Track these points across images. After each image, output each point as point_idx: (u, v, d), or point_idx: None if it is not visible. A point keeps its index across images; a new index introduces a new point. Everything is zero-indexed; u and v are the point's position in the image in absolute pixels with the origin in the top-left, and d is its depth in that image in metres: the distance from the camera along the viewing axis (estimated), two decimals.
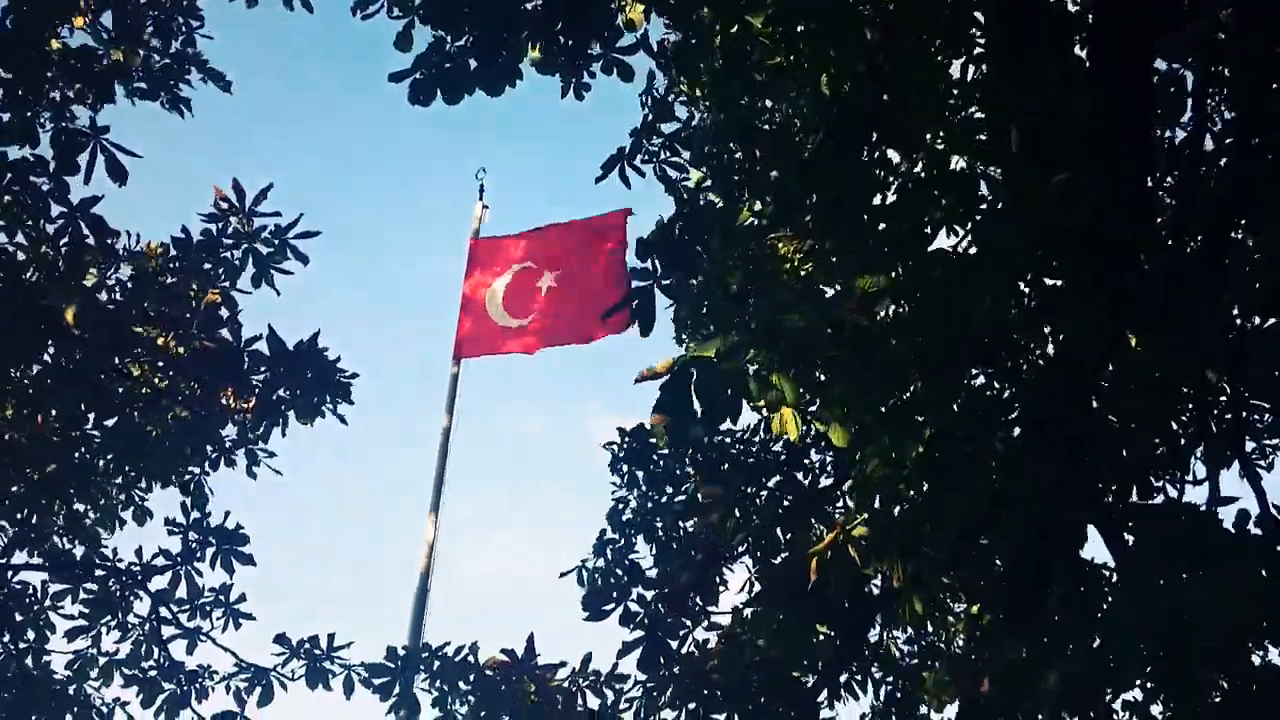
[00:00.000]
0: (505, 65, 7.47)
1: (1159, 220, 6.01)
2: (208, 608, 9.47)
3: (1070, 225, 5.68)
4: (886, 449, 5.94)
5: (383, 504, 41.95)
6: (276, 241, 9.21)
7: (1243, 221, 5.78)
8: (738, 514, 8.05)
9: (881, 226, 6.53)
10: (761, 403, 5.63)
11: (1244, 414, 6.20)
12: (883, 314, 5.90)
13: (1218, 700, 5.60)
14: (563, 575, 9.07)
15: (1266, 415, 6.61)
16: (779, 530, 8.08)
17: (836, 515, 7.96)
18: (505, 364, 12.36)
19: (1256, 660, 5.85)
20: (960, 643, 8.29)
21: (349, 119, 39.94)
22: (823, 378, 5.79)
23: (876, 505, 6.40)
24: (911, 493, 6.19)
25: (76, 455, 9.24)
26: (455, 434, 11.58)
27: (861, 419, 5.93)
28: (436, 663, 8.44)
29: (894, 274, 5.95)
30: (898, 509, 6.27)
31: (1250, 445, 6.91)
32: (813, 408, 6.64)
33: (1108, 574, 6.51)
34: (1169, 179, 6.15)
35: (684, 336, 9.41)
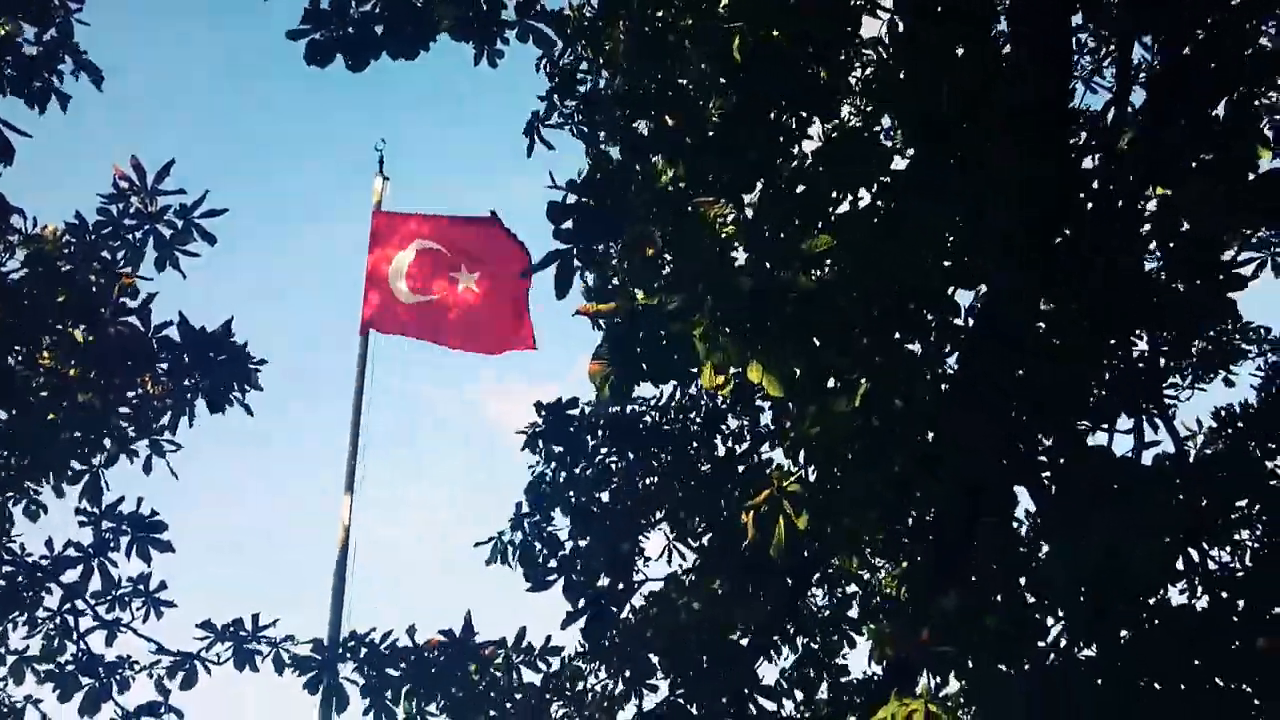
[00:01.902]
0: (417, 30, 7.31)
1: (1082, 179, 6.17)
2: (126, 598, 9.13)
3: (995, 189, 5.82)
4: (822, 407, 6.01)
5: (291, 482, 41.30)
6: (181, 222, 8.81)
7: (1160, 181, 5.97)
8: (659, 484, 8.11)
9: (799, 190, 6.61)
10: (706, 361, 5.61)
11: (1162, 364, 6.44)
12: (819, 275, 5.96)
13: (1139, 639, 5.85)
14: (477, 545, 9.01)
15: (1183, 365, 6.88)
16: (698, 496, 8.14)
17: (756, 477, 8.06)
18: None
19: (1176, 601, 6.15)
20: (884, 598, 8.48)
21: (238, 87, 38.92)
22: (766, 337, 5.79)
23: (811, 462, 6.50)
24: (845, 450, 6.29)
25: None
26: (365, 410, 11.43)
27: (800, 377, 5.98)
28: (364, 650, 8.33)
29: (825, 236, 6.01)
30: (833, 466, 6.36)
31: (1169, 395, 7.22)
32: (738, 368, 6.67)
33: (1033, 523, 6.74)
34: (1093, 140, 6.32)
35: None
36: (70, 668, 9.14)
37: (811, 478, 6.53)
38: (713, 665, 7.10)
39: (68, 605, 9.14)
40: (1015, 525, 6.60)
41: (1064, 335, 5.84)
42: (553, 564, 7.99)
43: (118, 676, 9.14)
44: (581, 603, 7.51)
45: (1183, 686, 5.76)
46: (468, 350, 11.69)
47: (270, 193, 40.94)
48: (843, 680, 8.32)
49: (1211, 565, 6.32)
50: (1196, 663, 5.79)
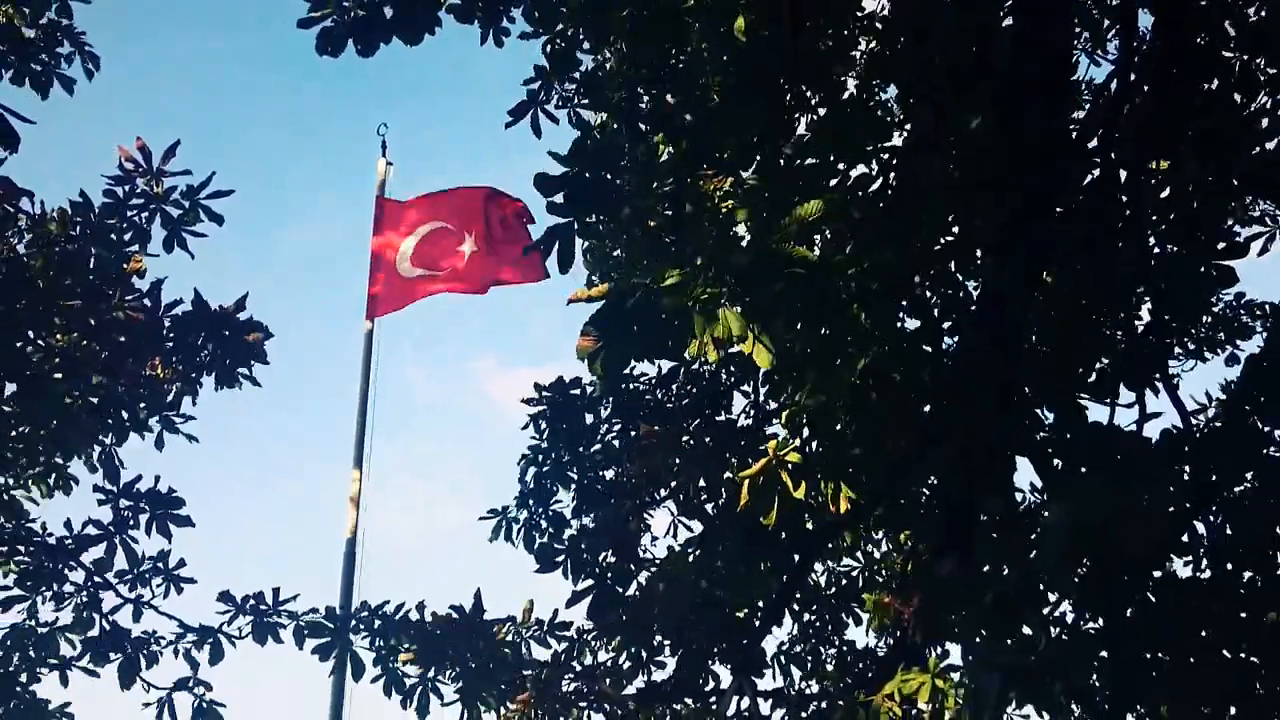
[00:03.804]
0: (424, 12, 7.27)
1: (1084, 152, 6.10)
2: (147, 575, 9.24)
3: (989, 172, 5.77)
4: (820, 378, 5.98)
5: (296, 464, 41.64)
6: (188, 203, 8.86)
7: (1160, 154, 5.90)
8: (662, 459, 8.09)
9: (799, 163, 6.56)
10: (703, 336, 5.57)
11: (1166, 337, 6.38)
12: (820, 245, 5.93)
13: (1143, 612, 5.84)
14: (481, 519, 8.97)
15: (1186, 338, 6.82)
16: (702, 472, 8.14)
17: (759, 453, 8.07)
18: (393, 318, 12.22)
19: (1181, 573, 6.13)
20: (888, 571, 8.50)
21: (238, 74, 38.89)
22: (765, 310, 5.73)
23: (808, 434, 6.49)
24: (843, 423, 6.28)
25: None
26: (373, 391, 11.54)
27: (799, 351, 5.95)
28: (378, 621, 8.42)
29: (816, 201, 5.96)
30: (830, 438, 6.35)
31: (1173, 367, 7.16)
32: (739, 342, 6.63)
33: (1036, 497, 6.73)
34: (1097, 113, 6.24)
35: (594, 279, 9.37)
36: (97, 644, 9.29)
37: (810, 449, 6.53)
38: (717, 639, 7.16)
39: (91, 583, 9.27)
40: (1018, 498, 6.57)
41: (1064, 307, 5.80)
42: (558, 545, 8.02)
43: (145, 652, 9.28)
44: (587, 582, 7.58)
45: (1189, 658, 5.76)
46: (470, 291, 11.84)
47: (273, 179, 41.05)
48: (848, 653, 8.38)
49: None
50: (1203, 634, 5.78)
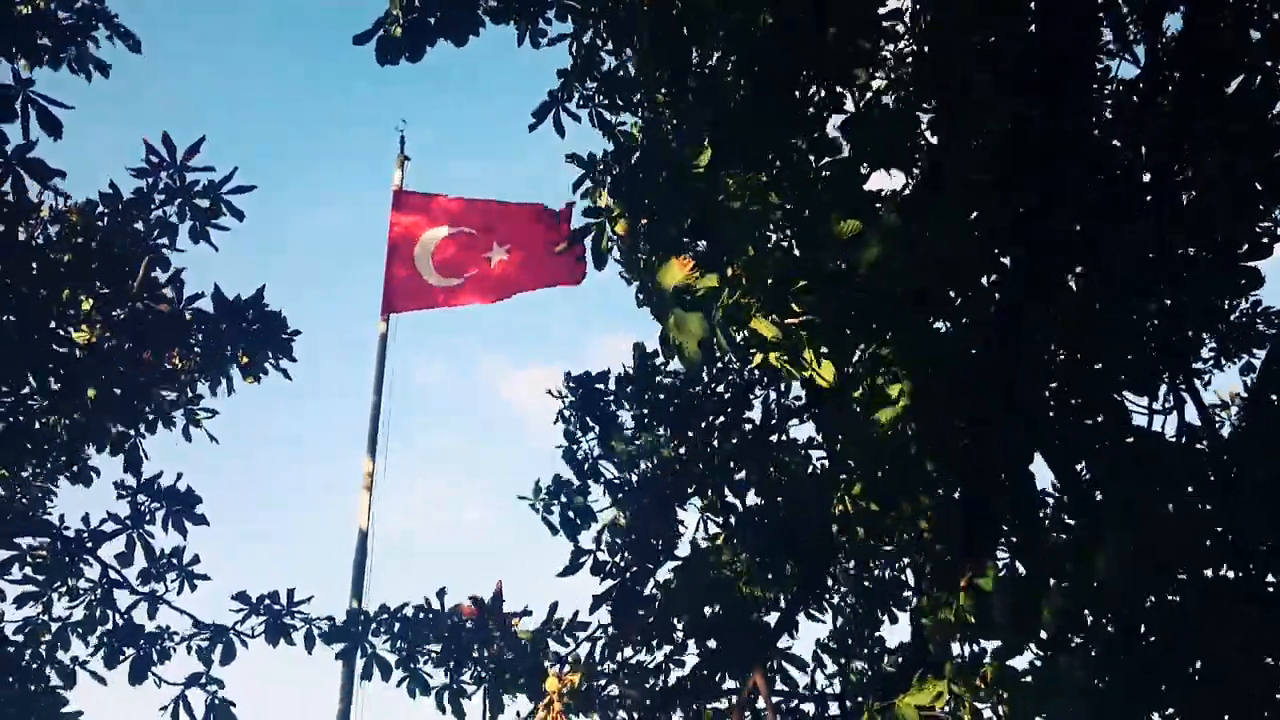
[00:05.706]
0: (467, 16, 7.47)
1: (1106, 152, 6.11)
2: (162, 571, 9.27)
3: (996, 172, 5.78)
4: (872, 404, 5.97)
5: (299, 462, 41.77)
6: (210, 197, 8.95)
7: (1185, 151, 5.91)
8: (690, 457, 8.11)
9: (826, 165, 6.56)
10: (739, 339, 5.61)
11: (1188, 336, 6.38)
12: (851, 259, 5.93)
13: (1166, 614, 5.82)
14: (521, 498, 8.88)
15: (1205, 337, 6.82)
16: (728, 470, 8.14)
17: (780, 455, 8.10)
18: (404, 317, 12.21)
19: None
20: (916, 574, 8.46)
21: (249, 71, 39.07)
22: (803, 319, 5.75)
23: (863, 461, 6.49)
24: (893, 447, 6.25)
25: (16, 418, 8.93)
26: (387, 388, 11.61)
27: (845, 361, 5.96)
28: (397, 623, 8.43)
29: (855, 221, 5.96)
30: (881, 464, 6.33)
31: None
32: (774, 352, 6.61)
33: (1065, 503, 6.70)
34: (1122, 113, 6.26)
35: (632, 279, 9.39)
36: (112, 639, 9.30)
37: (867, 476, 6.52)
38: (739, 638, 7.15)
39: (105, 578, 9.30)
40: (1044, 505, 6.55)
41: (1070, 308, 5.80)
42: (584, 548, 8.06)
43: (158, 647, 9.29)
44: (609, 584, 7.64)
45: (1212, 662, 5.73)
46: (507, 296, 11.86)
47: (275, 177, 41.23)
48: (876, 653, 8.36)
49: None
50: (1228, 637, 5.75)
